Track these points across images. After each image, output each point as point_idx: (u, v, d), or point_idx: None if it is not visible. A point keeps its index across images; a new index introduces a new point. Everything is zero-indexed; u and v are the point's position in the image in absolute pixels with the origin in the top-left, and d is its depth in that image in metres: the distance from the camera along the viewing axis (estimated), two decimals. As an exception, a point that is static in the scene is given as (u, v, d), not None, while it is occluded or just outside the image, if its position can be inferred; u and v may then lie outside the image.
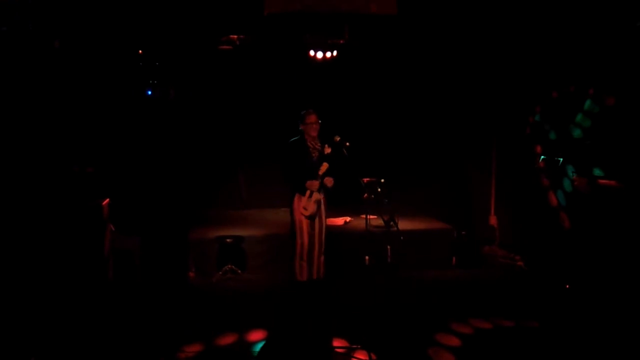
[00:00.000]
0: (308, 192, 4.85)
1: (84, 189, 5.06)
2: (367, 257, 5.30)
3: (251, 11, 5.78)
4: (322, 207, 5.01)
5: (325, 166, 4.83)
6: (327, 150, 4.84)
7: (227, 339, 4.22)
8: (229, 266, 5.97)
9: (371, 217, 5.68)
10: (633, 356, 3.75)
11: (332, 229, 5.99)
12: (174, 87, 7.32)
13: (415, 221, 7.05)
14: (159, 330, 4.37)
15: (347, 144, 4.63)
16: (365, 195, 5.86)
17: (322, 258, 5.02)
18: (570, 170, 5.39)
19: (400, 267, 5.80)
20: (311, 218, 4.90)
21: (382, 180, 6.00)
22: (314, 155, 4.90)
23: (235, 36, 6.62)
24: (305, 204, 4.85)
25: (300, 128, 4.93)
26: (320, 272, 5.03)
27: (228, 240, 5.96)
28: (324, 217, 5.03)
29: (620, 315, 4.13)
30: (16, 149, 4.50)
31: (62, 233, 4.62)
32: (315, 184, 4.82)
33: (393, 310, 4.86)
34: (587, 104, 5.28)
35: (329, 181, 4.87)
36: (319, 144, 4.91)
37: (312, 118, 4.86)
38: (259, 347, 4.11)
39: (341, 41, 6.80)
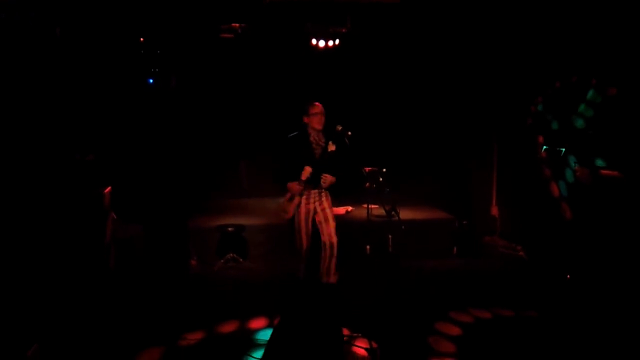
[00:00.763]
0: (289, 195, 4.51)
1: (86, 177, 5.06)
2: (368, 247, 5.32)
3: (253, -1, 5.77)
4: (328, 210, 4.63)
5: (308, 170, 4.38)
6: (332, 147, 4.45)
7: (229, 327, 4.25)
8: (231, 255, 5.99)
9: (372, 206, 5.70)
10: (632, 347, 3.77)
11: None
12: (175, 76, 7.31)
13: (416, 211, 7.05)
14: (161, 318, 4.40)
15: (349, 133, 4.32)
16: (367, 184, 5.85)
17: (334, 261, 4.65)
18: (572, 160, 5.39)
19: (401, 256, 5.81)
20: (309, 216, 4.61)
21: (384, 170, 5.98)
22: (316, 152, 4.49)
23: (237, 24, 6.58)
24: (284, 206, 4.55)
25: (304, 121, 4.51)
26: (330, 275, 4.66)
27: (229, 229, 5.97)
28: (331, 218, 4.64)
29: (621, 306, 4.14)
30: (17, 137, 4.49)
31: (63, 221, 4.62)
32: (295, 187, 4.43)
33: (394, 299, 4.88)
34: (590, 94, 5.25)
35: (326, 180, 4.46)
36: (324, 140, 4.50)
37: (318, 108, 4.45)
38: (267, 334, 3.98)
39: (343, 30, 6.76)
